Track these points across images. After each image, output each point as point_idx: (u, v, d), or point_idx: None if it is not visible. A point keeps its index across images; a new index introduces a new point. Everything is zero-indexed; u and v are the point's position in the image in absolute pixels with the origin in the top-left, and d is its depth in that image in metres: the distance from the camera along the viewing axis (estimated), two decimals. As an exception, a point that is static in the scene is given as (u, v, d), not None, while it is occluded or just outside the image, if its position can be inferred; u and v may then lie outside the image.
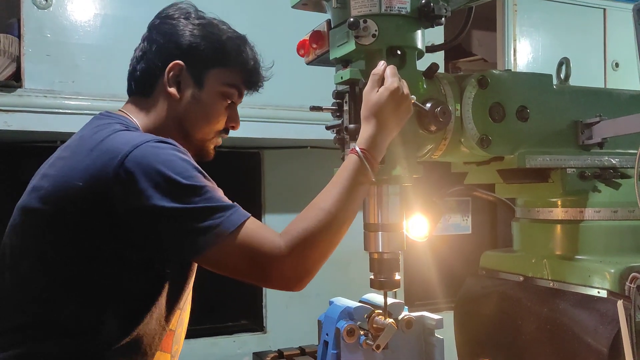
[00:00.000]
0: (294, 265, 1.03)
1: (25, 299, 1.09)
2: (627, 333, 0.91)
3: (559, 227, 1.58)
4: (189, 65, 1.25)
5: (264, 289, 3.33)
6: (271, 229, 1.08)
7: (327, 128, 1.46)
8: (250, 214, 1.07)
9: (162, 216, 1.01)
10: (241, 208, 1.07)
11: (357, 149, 1.17)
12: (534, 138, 1.48)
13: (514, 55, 3.24)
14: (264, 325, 3.03)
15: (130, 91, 1.29)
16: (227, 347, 2.91)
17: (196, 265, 1.25)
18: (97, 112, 2.15)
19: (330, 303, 1.53)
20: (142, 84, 1.25)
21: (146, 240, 1.04)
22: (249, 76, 1.34)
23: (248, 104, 2.69)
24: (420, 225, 1.66)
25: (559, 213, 1.57)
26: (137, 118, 1.22)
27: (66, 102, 2.12)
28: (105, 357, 1.08)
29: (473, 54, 3.51)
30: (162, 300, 1.15)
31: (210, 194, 1.04)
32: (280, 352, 1.81)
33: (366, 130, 1.19)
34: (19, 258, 1.10)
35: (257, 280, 1.08)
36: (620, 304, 0.95)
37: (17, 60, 2.15)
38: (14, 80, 2.14)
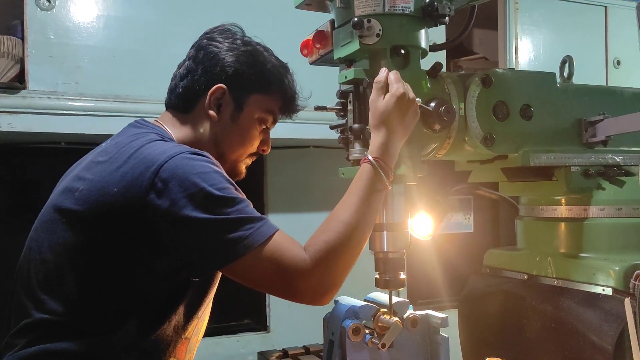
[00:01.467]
0: (319, 279, 1.05)
1: (48, 295, 1.10)
2: (635, 330, 0.91)
3: (563, 225, 1.58)
4: (231, 90, 1.29)
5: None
6: (298, 243, 1.09)
7: (332, 128, 1.46)
8: (278, 228, 1.09)
9: (193, 226, 1.02)
10: (270, 221, 1.09)
11: (370, 157, 1.19)
12: (537, 136, 1.48)
13: (516, 53, 3.24)
14: (268, 324, 3.04)
15: (169, 104, 1.32)
16: (231, 347, 2.91)
17: (219, 276, 1.27)
18: (101, 113, 2.19)
19: (336, 302, 1.53)
20: (184, 101, 1.28)
21: (175, 248, 1.06)
22: (287, 104, 1.39)
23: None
24: (424, 224, 1.67)
25: (563, 211, 1.58)
26: (173, 131, 1.25)
27: (69, 103, 2.13)
28: (121, 358, 1.08)
29: (474, 52, 3.51)
30: (182, 309, 1.16)
31: (241, 206, 1.06)
32: (285, 352, 1.81)
33: (377, 138, 1.20)
34: (47, 254, 1.11)
35: (283, 294, 1.09)
36: (627, 301, 0.96)
37: (21, 62, 2.16)
38: (18, 82, 2.14)
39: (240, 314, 3.27)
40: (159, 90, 2.23)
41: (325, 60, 1.54)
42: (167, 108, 1.34)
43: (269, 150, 1.41)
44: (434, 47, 1.54)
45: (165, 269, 1.09)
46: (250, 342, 2.91)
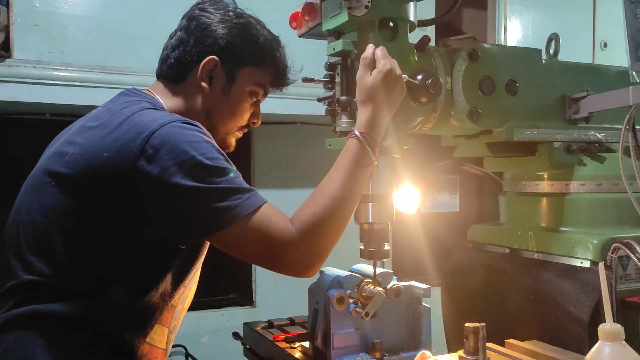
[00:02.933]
0: (305, 250, 1.06)
1: (36, 257, 1.10)
2: (607, 293, 0.95)
3: (545, 199, 1.62)
4: (223, 62, 1.28)
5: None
6: (285, 215, 1.09)
7: (319, 100, 1.47)
8: (267, 200, 1.10)
9: (182, 193, 1.03)
10: (259, 193, 1.10)
11: (357, 132, 1.20)
12: (522, 112, 1.50)
13: (504, 33, 3.25)
14: (254, 299, 3.07)
15: (160, 74, 1.32)
16: (216, 321, 2.94)
17: (207, 245, 1.28)
18: (87, 84, 2.17)
19: (321, 273, 1.56)
20: (175, 71, 1.28)
21: (163, 215, 1.07)
22: (279, 77, 1.39)
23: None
24: (410, 198, 1.69)
25: (545, 186, 1.61)
26: (165, 100, 1.25)
27: (55, 73, 2.10)
28: (109, 322, 1.10)
29: (463, 32, 3.51)
30: (169, 276, 1.17)
31: (231, 177, 1.07)
32: (270, 322, 1.83)
33: (363, 113, 1.22)
34: (35, 216, 1.11)
35: (269, 265, 1.09)
36: (601, 266, 0.98)
37: (6, 30, 2.12)
38: (3, 51, 2.11)
39: (226, 288, 3.30)
40: (146, 62, 2.23)
41: (314, 33, 1.55)
42: (158, 78, 1.34)
43: (260, 122, 1.41)
44: (422, 23, 1.54)
45: (153, 236, 1.09)
46: (235, 316, 2.93)
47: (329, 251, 1.13)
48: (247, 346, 1.85)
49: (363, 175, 1.21)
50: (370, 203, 1.41)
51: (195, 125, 1.12)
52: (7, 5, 2.09)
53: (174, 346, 3.18)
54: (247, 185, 1.10)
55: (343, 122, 1.39)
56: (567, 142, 1.54)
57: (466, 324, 1.09)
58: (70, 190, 1.09)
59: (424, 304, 1.51)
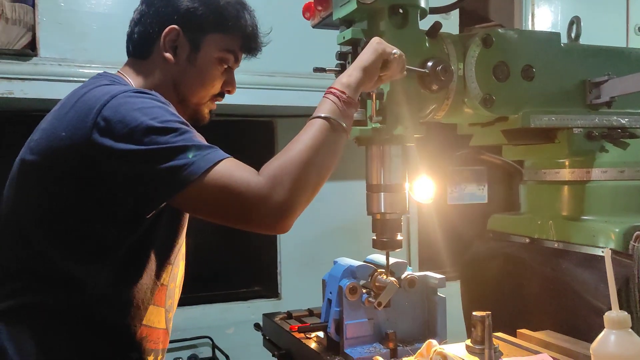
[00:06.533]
0: (275, 200, 0.99)
1: (19, 250, 1.12)
2: (613, 280, 0.91)
3: (565, 188, 1.57)
4: (185, 30, 1.25)
5: (278, 255, 3.39)
6: (251, 168, 1.04)
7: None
8: (230, 156, 1.05)
9: (136, 159, 1.00)
10: (221, 150, 1.05)
11: (335, 90, 1.16)
12: (539, 97, 1.46)
13: (532, 20, 3.17)
14: (279, 291, 3.09)
15: (128, 53, 1.30)
16: (241, 313, 2.97)
17: (186, 219, 1.27)
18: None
19: (335, 263, 1.56)
20: (140, 46, 1.26)
21: (122, 185, 1.04)
22: (247, 42, 1.33)
23: (257, 72, 2.70)
24: (425, 188, 1.67)
25: (565, 174, 1.56)
26: (134, 80, 1.23)
27: (79, 70, 2.15)
28: (100, 310, 1.10)
29: (489, 19, 3.44)
30: (152, 255, 1.17)
31: (186, 136, 1.02)
32: (289, 313, 1.84)
33: (345, 75, 1.18)
34: (13, 209, 1.13)
35: (239, 221, 1.03)
36: (607, 251, 0.95)
37: (32, 29, 2.18)
38: (30, 49, 2.18)
39: (251, 280, 3.33)
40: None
41: (327, 23, 1.54)
42: (128, 57, 1.31)
43: (235, 90, 1.35)
44: (435, 10, 1.52)
45: (123, 210, 1.08)
46: (260, 308, 2.95)
47: (301, 201, 1.03)
48: (267, 337, 1.86)
49: (337, 133, 1.12)
50: (382, 193, 1.40)
51: (148, 94, 1.09)
52: (33, 5, 2.15)
53: (200, 337, 3.25)
54: (207, 144, 1.05)
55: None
56: (587, 128, 1.49)
57: (474, 313, 1.07)
58: (38, 177, 1.09)
59: (439, 294, 1.49)
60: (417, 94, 1.35)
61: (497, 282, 1.68)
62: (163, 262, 1.20)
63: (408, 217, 3.71)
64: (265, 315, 1.92)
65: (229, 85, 1.32)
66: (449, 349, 1.08)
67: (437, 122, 1.48)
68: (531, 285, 1.55)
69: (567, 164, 1.56)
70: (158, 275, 1.19)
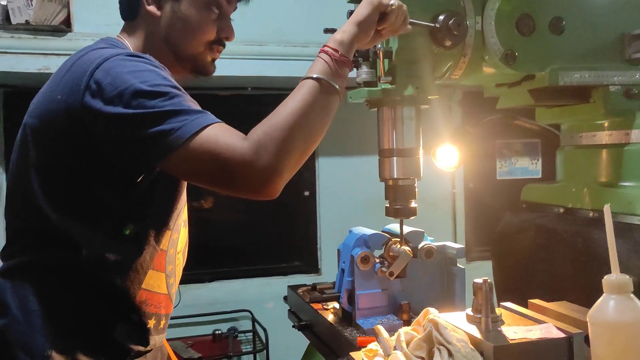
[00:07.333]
0: (261, 164, 0.96)
1: (23, 210, 1.14)
2: (613, 241, 0.82)
3: (603, 152, 1.44)
4: None
5: (318, 230, 3.37)
6: (240, 133, 1.01)
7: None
8: (221, 121, 1.02)
9: (124, 123, 1.00)
10: (211, 115, 1.03)
11: (328, 49, 1.09)
12: (569, 52, 1.34)
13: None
14: (319, 267, 3.07)
15: (121, 17, 1.29)
16: (281, 287, 2.96)
17: (185, 185, 1.26)
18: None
19: (350, 232, 1.51)
20: (127, 7, 1.25)
21: (112, 148, 1.05)
22: None
23: (292, 43, 2.66)
24: (449, 155, 1.58)
25: (602, 137, 1.43)
26: (129, 42, 1.22)
27: (112, 45, 2.19)
28: (97, 271, 1.11)
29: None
30: (149, 220, 1.17)
31: (176, 100, 1.01)
32: (314, 285, 1.81)
33: (340, 32, 1.11)
34: (17, 174, 1.15)
35: (223, 187, 1.02)
36: (607, 208, 0.85)
37: (67, 5, 2.24)
38: (65, 25, 2.24)
39: (291, 256, 3.33)
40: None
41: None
42: (123, 21, 1.29)
43: (233, 37, 1.28)
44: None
45: (116, 174, 1.08)
46: (300, 283, 2.95)
47: (288, 169, 1.00)
48: (291, 309, 1.85)
49: (330, 93, 1.06)
50: (395, 158, 1.33)
51: (142, 57, 1.07)
52: (68, -18, 2.20)
53: (240, 310, 3.29)
54: (197, 108, 1.02)
55: (364, 71, 1.32)
56: (626, 85, 1.36)
57: (474, 280, 0.99)
58: (37, 140, 1.10)
59: (458, 265, 1.41)
60: (429, 51, 1.27)
61: (528, 256, 1.58)
62: (161, 227, 1.19)
63: (454, 192, 3.59)
64: (289, 286, 1.90)
65: (224, 31, 1.26)
66: (449, 317, 1.01)
67: (453, 82, 1.38)
68: (563, 258, 1.44)
69: (604, 125, 1.43)
70: (157, 240, 1.18)
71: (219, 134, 0.98)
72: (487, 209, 3.20)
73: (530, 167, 3.52)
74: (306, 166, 3.55)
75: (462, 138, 1.59)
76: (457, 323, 0.98)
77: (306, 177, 3.27)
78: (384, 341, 0.97)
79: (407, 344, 0.92)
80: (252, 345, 3.29)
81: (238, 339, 3.27)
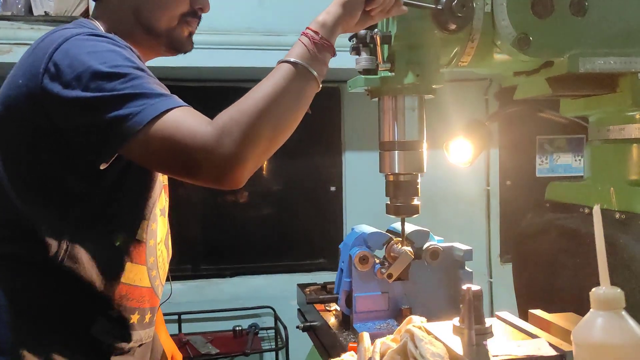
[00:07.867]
0: (220, 155, 0.90)
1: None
2: (602, 243, 0.70)
3: (632, 147, 1.30)
4: None
5: (344, 226, 3.28)
6: (204, 117, 0.94)
7: (349, 38, 1.31)
8: (186, 104, 0.96)
9: (82, 108, 0.95)
10: (176, 98, 0.97)
11: (309, 31, 1.02)
12: (592, 36, 1.21)
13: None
14: (344, 264, 2.99)
15: None
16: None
17: (157, 173, 1.20)
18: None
19: (352, 230, 1.42)
20: None
21: (71, 134, 1.00)
22: None
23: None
24: (462, 150, 1.47)
25: (632, 130, 1.29)
26: (100, 23, 1.17)
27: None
28: (68, 264, 1.05)
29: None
30: (122, 209, 1.12)
31: (136, 82, 0.94)
32: (324, 285, 1.74)
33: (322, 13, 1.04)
34: None
35: (184, 174, 0.95)
36: (596, 209, 0.73)
37: (87, -1, 2.24)
38: (84, 17, 2.23)
39: (315, 253, 3.26)
40: (210, 20, 2.22)
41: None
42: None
43: (208, 8, 1.21)
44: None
45: (81, 162, 1.02)
46: (324, 280, 2.88)
47: (253, 158, 0.93)
48: (299, 308, 1.78)
49: (306, 79, 0.99)
50: (395, 151, 1.24)
51: (104, 36, 1.02)
52: (86, -26, 2.20)
53: (262, 307, 3.24)
54: (159, 90, 0.96)
55: (363, 58, 1.23)
56: (657, 72, 1.21)
57: (462, 286, 0.89)
58: (3, 128, 1.06)
59: (466, 268, 1.31)
60: (432, 35, 1.17)
61: (549, 260, 1.45)
62: (135, 217, 1.14)
63: (488, 190, 3.42)
64: (299, 285, 1.84)
65: (198, 2, 1.19)
66: (435, 327, 0.91)
67: (461, 70, 1.28)
68: (586, 263, 1.31)
69: (634, 117, 1.29)
70: (132, 230, 1.13)
71: (179, 119, 0.92)
72: (523, 209, 3.04)
73: (573, 163, 3.31)
74: (332, 160, 3.48)
75: (477, 131, 1.48)
76: (442, 334, 0.88)
77: (332, 171, 3.19)
78: (361, 350, 0.89)
79: (382, 356, 0.83)
80: (273, 343, 3.25)
81: (259, 335, 3.23)
